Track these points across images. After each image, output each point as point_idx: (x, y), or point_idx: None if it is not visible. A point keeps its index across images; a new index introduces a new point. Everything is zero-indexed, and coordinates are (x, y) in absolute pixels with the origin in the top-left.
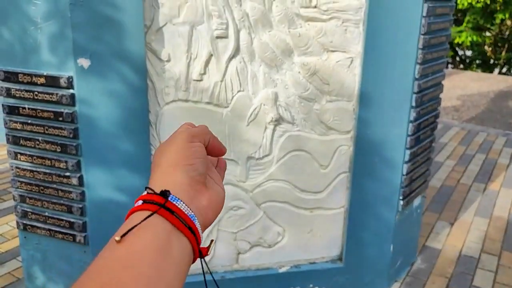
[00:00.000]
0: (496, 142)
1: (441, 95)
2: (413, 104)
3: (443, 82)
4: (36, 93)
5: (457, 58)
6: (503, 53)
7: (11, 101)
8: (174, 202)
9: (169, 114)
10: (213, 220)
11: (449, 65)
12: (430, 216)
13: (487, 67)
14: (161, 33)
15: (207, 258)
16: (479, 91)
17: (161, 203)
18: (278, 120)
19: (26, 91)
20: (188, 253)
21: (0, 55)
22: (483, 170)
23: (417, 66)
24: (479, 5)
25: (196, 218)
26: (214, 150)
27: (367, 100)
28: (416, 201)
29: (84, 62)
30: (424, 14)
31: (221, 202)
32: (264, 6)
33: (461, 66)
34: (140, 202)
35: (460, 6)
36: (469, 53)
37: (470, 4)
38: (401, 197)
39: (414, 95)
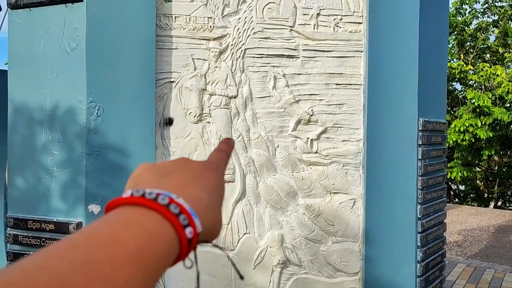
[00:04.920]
0: (506, 279)
1: (445, 234)
2: (419, 243)
3: (445, 221)
4: (44, 239)
5: (451, 193)
6: (496, 187)
7: (16, 248)
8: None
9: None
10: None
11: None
12: None
13: (482, 201)
14: None
15: None
16: (479, 225)
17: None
18: (285, 263)
19: (34, 237)
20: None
21: (12, 202)
22: None
23: (419, 206)
24: (464, 143)
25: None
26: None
27: (373, 241)
28: None
29: (95, 208)
30: (420, 157)
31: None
32: (269, 152)
33: (456, 200)
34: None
35: (446, 144)
36: (462, 187)
37: (456, 142)
38: None
39: (419, 235)
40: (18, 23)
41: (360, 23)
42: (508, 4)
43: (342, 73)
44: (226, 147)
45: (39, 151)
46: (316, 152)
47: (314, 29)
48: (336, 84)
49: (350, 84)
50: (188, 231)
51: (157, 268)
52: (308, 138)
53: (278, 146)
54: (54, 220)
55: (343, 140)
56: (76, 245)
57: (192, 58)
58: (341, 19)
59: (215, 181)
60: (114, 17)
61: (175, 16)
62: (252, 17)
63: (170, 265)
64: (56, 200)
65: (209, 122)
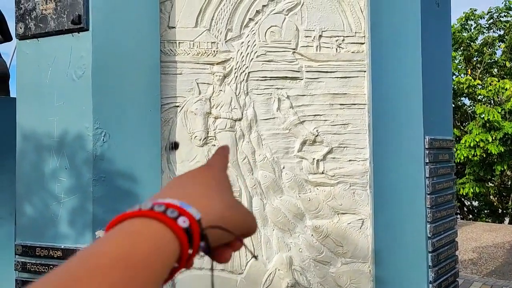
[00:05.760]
0: None
1: (457, 253)
2: (430, 263)
3: (456, 239)
4: (51, 266)
5: (465, 209)
6: (510, 203)
7: (25, 276)
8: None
9: (183, 283)
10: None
11: (458, 216)
12: None
13: (496, 217)
14: None
15: None
16: (494, 242)
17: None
18: (294, 286)
19: (42, 265)
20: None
21: (20, 230)
22: None
23: (428, 225)
24: (475, 158)
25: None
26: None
27: (383, 261)
28: None
29: (102, 234)
30: (427, 175)
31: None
32: (275, 174)
33: (470, 216)
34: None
35: (457, 160)
36: (475, 203)
37: (467, 157)
38: None
39: (430, 254)
40: (26, 53)
41: (362, 43)
42: None
43: (346, 93)
44: (221, 150)
45: (47, 178)
46: (323, 173)
47: (316, 50)
48: (340, 104)
49: (354, 104)
50: (182, 221)
51: (150, 267)
52: (314, 159)
53: (284, 168)
54: (62, 246)
55: (349, 160)
56: (63, 270)
57: (197, 83)
58: (343, 40)
59: (208, 174)
60: (119, 45)
61: (179, 42)
62: (255, 40)
63: (182, 263)
64: (63, 227)
65: (214, 145)
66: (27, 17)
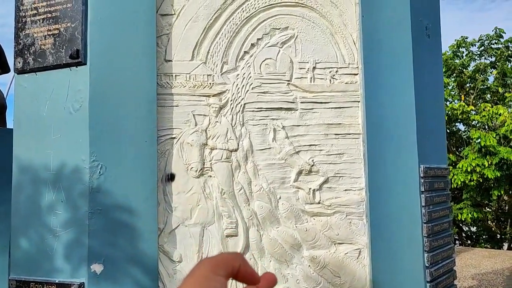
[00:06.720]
0: None
1: (456, 282)
2: None
3: (454, 268)
4: None
5: (463, 235)
6: (508, 228)
7: None
8: None
9: None
10: None
11: (457, 242)
12: None
13: (495, 243)
14: (173, 235)
15: None
16: (493, 268)
17: None
18: None
19: None
20: None
21: (15, 264)
22: None
23: (426, 254)
24: (472, 183)
25: None
26: (246, 277)
27: None
28: None
29: (97, 268)
30: (423, 204)
31: None
32: (271, 205)
33: (469, 242)
34: None
35: (454, 185)
36: (473, 229)
37: (464, 182)
38: None
39: (428, 284)
40: (24, 87)
41: (356, 74)
42: (504, 46)
43: (340, 123)
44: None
45: (43, 210)
46: (319, 203)
47: (310, 82)
48: (335, 134)
49: (349, 134)
50: None
51: None
52: (310, 189)
53: (280, 198)
54: (57, 281)
55: (345, 190)
56: None
57: (193, 114)
58: (336, 71)
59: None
60: (116, 78)
61: (176, 75)
62: (250, 73)
63: None
64: (59, 261)
65: (210, 176)
66: (26, 52)
